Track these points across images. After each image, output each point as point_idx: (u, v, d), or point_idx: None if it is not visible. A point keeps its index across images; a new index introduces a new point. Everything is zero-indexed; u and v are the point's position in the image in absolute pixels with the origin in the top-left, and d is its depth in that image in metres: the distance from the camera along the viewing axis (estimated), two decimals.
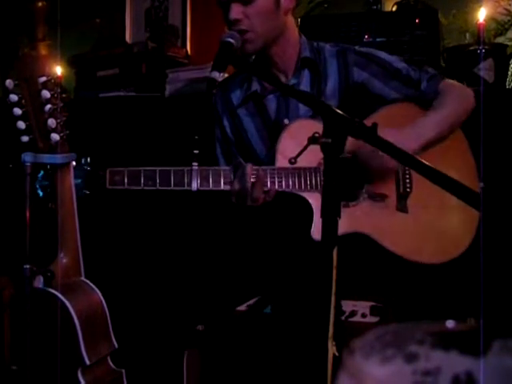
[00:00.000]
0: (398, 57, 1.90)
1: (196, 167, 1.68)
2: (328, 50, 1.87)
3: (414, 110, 1.83)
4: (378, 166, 1.70)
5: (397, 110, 1.83)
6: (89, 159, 1.69)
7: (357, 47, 1.89)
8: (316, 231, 1.64)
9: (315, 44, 1.89)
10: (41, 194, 1.57)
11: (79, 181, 1.65)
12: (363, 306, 1.74)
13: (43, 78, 1.46)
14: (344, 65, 1.84)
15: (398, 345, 0.49)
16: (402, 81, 1.83)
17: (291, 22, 1.86)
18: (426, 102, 1.82)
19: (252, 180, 1.65)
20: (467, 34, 2.38)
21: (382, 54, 1.87)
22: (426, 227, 1.74)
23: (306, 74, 1.86)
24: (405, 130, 1.69)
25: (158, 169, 1.68)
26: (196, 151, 1.68)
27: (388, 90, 1.83)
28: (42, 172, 1.58)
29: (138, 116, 2.64)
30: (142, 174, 1.68)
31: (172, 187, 1.68)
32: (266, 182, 1.68)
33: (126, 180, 1.68)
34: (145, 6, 3.14)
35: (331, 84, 1.84)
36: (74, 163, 1.58)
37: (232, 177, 1.68)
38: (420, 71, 1.85)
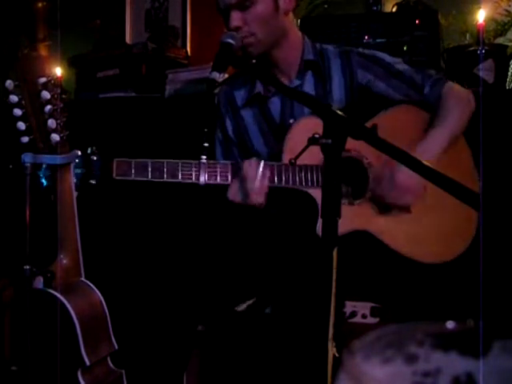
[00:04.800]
0: (400, 59, 1.90)
1: (205, 160, 1.66)
2: (332, 52, 1.87)
3: (415, 112, 1.83)
4: (393, 200, 1.71)
5: (398, 113, 1.83)
6: (95, 148, 1.65)
7: (360, 49, 1.89)
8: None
9: (318, 46, 1.88)
10: (45, 183, 1.54)
11: (85, 170, 1.63)
12: (363, 307, 1.74)
13: (43, 79, 1.46)
14: (348, 66, 1.84)
15: (398, 346, 0.49)
16: (406, 83, 1.83)
17: (292, 24, 1.86)
18: (428, 105, 1.82)
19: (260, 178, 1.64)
20: (467, 35, 2.38)
21: (385, 56, 1.87)
22: (428, 227, 1.75)
23: (309, 75, 1.85)
24: (415, 148, 1.68)
25: (165, 161, 1.65)
26: (206, 144, 1.65)
27: (392, 91, 1.83)
28: (44, 164, 1.56)
29: (138, 117, 2.63)
30: (150, 166, 1.65)
31: (179, 180, 1.65)
32: (273, 178, 1.67)
33: (132, 171, 1.64)
34: (145, 7, 3.15)
35: (336, 86, 1.84)
36: (79, 153, 1.56)
37: (238, 172, 1.66)
38: (423, 75, 1.84)
